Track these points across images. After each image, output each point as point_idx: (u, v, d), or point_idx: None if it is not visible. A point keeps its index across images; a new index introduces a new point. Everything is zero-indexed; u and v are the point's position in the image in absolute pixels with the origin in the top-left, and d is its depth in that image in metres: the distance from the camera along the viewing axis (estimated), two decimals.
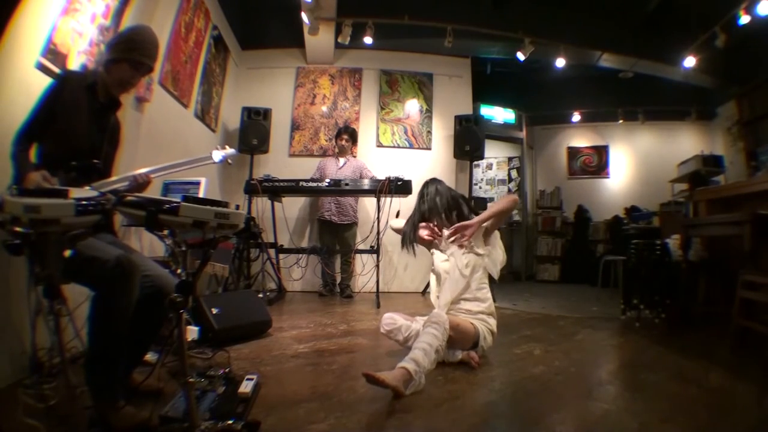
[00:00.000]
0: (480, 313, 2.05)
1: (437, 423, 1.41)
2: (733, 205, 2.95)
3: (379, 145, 5.01)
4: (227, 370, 1.66)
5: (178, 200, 0.99)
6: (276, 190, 3.87)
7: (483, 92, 5.69)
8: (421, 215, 2.27)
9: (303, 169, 4.54)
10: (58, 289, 1.05)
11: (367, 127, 5.00)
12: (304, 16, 3.96)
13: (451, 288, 2.05)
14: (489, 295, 2.11)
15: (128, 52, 1.56)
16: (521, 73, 6.07)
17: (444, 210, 2.20)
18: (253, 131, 4.32)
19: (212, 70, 4.09)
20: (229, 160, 1.92)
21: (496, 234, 2.22)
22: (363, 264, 4.38)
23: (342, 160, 4.37)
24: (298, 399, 1.54)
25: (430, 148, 5.06)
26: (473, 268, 2.07)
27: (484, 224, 2.12)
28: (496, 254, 2.15)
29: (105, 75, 1.59)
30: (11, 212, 0.92)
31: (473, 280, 2.07)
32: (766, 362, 2.14)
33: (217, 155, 1.88)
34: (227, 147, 1.94)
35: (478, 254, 2.09)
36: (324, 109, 5.02)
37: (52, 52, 1.89)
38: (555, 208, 6.69)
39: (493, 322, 2.08)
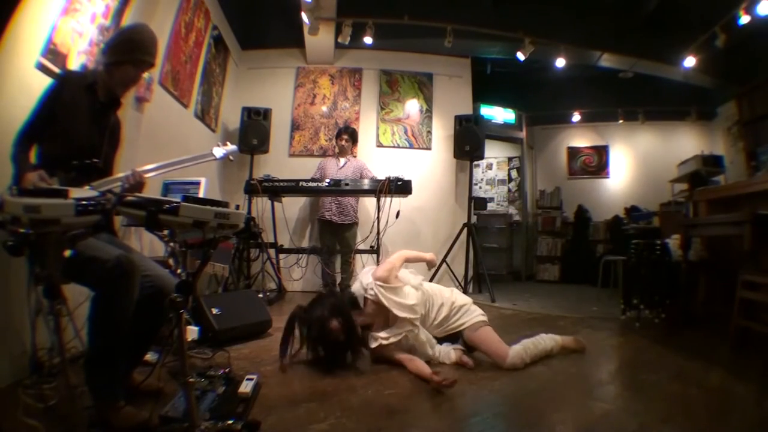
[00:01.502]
0: (454, 309, 2.10)
1: (437, 423, 1.41)
2: (733, 205, 2.94)
3: (379, 145, 5.01)
4: (227, 370, 1.66)
5: (178, 200, 0.99)
6: (276, 190, 3.87)
7: (483, 92, 5.69)
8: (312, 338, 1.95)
9: (303, 169, 4.54)
10: (58, 289, 1.06)
11: (367, 127, 5.00)
12: (304, 16, 3.96)
13: (424, 352, 2.02)
14: (414, 301, 1.98)
15: (130, 53, 1.56)
16: (521, 73, 6.05)
17: (330, 316, 1.89)
18: (253, 131, 4.32)
19: (212, 70, 4.09)
20: (231, 157, 1.93)
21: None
22: (363, 264, 4.37)
23: (342, 160, 4.37)
24: (298, 399, 1.54)
25: (430, 148, 5.06)
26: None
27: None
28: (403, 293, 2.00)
29: (106, 76, 1.59)
30: (11, 212, 0.92)
31: (427, 320, 2.08)
32: (766, 362, 2.14)
33: (219, 152, 1.89)
34: (228, 144, 1.95)
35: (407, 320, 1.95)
36: (324, 109, 5.02)
37: (52, 52, 1.89)
38: (555, 208, 6.69)
39: (458, 296, 2.16)
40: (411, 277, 2.10)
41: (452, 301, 2.12)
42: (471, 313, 2.11)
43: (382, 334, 1.95)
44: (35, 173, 1.30)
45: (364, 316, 1.99)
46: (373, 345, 1.96)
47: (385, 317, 1.96)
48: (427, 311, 2.06)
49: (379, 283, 1.94)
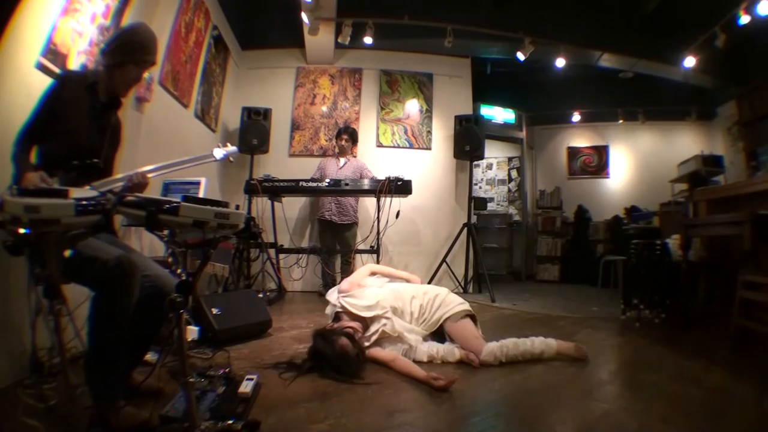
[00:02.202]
0: (428, 300, 2.14)
1: (437, 423, 1.41)
2: (733, 205, 2.94)
3: (379, 145, 5.01)
4: (227, 370, 1.66)
5: (178, 200, 0.99)
6: (276, 190, 3.87)
7: (483, 92, 5.69)
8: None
9: (303, 169, 4.54)
10: (58, 289, 1.05)
11: (367, 127, 5.00)
12: (304, 16, 3.96)
13: (409, 343, 2.03)
14: (378, 298, 2.08)
15: (132, 54, 1.56)
16: (521, 73, 6.06)
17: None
18: (253, 131, 4.32)
19: (212, 70, 4.09)
20: (231, 158, 1.93)
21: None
22: (363, 264, 4.37)
23: (342, 160, 4.37)
24: (298, 399, 1.54)
25: (430, 148, 5.06)
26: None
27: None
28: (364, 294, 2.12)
29: (107, 77, 1.59)
30: (11, 212, 0.92)
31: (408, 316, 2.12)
32: (766, 362, 2.14)
33: (219, 153, 1.89)
34: (228, 145, 1.95)
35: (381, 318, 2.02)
36: (324, 109, 5.02)
37: (52, 52, 1.89)
38: (555, 208, 6.69)
39: (430, 288, 2.25)
40: (375, 280, 2.26)
41: (424, 291, 2.19)
42: (449, 303, 2.13)
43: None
44: (35, 173, 1.30)
45: (344, 324, 2.03)
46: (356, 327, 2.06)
47: (363, 321, 2.05)
48: (402, 305, 2.12)
49: (341, 294, 2.12)
